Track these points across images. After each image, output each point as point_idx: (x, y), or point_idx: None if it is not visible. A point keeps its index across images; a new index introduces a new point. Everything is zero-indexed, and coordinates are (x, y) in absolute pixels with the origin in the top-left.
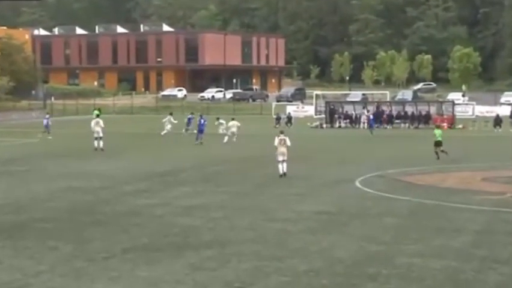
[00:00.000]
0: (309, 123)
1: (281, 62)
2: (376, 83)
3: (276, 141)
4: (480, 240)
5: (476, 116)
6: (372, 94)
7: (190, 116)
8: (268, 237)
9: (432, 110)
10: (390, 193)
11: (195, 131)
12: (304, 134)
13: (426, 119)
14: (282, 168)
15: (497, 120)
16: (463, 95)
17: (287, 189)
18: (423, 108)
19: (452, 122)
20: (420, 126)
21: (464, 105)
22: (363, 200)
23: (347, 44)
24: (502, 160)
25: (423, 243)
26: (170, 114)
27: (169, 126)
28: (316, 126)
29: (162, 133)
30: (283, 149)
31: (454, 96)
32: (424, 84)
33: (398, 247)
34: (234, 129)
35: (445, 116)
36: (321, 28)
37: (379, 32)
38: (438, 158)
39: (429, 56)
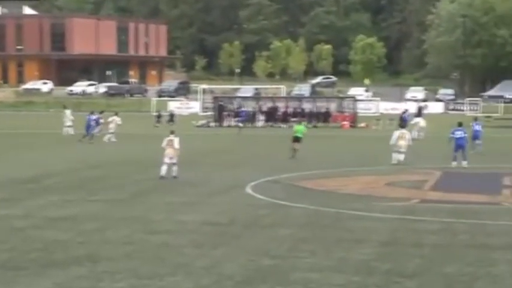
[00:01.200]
0: (194, 122)
1: (163, 52)
2: (270, 76)
3: (164, 142)
4: (383, 251)
5: (381, 113)
6: (265, 89)
7: (96, 116)
8: (147, 252)
9: (333, 106)
10: (286, 200)
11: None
12: (189, 134)
13: (325, 116)
14: (167, 170)
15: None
16: (366, 90)
17: (170, 197)
18: (322, 105)
19: (353, 120)
20: (319, 124)
21: (367, 102)
22: (255, 209)
23: (238, 32)
24: (408, 163)
25: (321, 256)
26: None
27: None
28: (202, 125)
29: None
30: (169, 151)
31: (356, 91)
32: (323, 78)
33: (294, 261)
34: (112, 126)
35: (346, 114)
36: (208, 13)
37: (273, 18)
38: (293, 156)
39: (329, 46)
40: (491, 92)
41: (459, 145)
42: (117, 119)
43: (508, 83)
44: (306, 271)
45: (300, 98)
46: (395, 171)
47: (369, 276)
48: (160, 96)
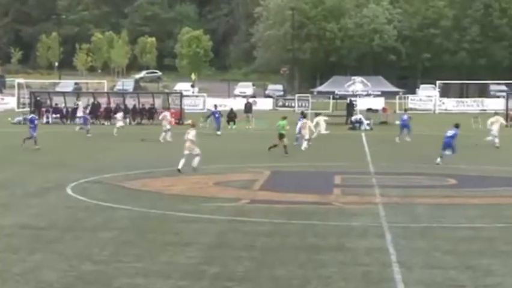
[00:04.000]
0: (10, 118)
1: None
2: (91, 70)
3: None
4: (212, 255)
5: (208, 109)
6: (86, 83)
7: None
8: None
9: (158, 102)
10: (109, 202)
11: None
12: (4, 131)
13: (150, 113)
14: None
15: (231, 115)
16: (193, 86)
17: None
18: (147, 101)
19: (179, 116)
20: (144, 121)
21: (194, 98)
22: (75, 211)
23: (56, 23)
24: (236, 162)
25: (147, 261)
26: None
27: None
28: (19, 122)
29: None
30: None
31: (183, 86)
32: (148, 73)
33: (118, 266)
34: None
35: (172, 110)
36: (24, 3)
37: (94, 8)
38: (286, 153)
39: (153, 39)
40: (321, 88)
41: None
42: None
43: (338, 79)
44: (131, 276)
45: (123, 94)
46: (224, 171)
47: (197, 280)
48: None
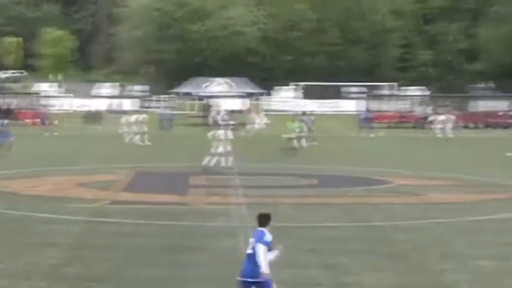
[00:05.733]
0: None
1: None
2: None
3: None
4: (73, 255)
5: (74, 110)
6: None
7: None
8: None
9: (21, 103)
10: None
11: None
12: None
13: (11, 114)
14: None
15: (96, 116)
16: (59, 86)
17: None
18: (10, 102)
19: (43, 117)
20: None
21: (59, 98)
22: None
23: None
24: (101, 163)
25: (8, 262)
26: None
27: None
28: None
29: None
30: None
31: (46, 87)
32: (12, 73)
33: None
34: None
35: (36, 111)
36: None
37: None
38: (294, 155)
39: (18, 39)
40: (184, 89)
41: None
42: None
43: (199, 80)
44: None
45: None
46: (88, 171)
47: (57, 281)
48: None
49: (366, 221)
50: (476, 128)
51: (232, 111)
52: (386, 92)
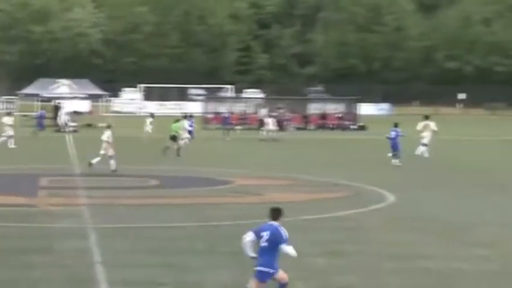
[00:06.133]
0: None
1: None
2: None
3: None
4: None
5: None
6: None
7: None
8: None
9: None
10: None
11: None
12: None
13: None
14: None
15: None
16: None
17: None
18: None
19: None
20: None
21: None
22: None
23: None
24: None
25: None
26: None
27: None
28: None
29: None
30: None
31: None
32: None
33: None
34: None
35: None
36: None
37: None
38: (178, 155)
39: None
40: (28, 90)
41: (392, 146)
42: None
43: (44, 81)
44: None
45: None
46: None
47: None
48: None
49: (208, 220)
50: (311, 129)
51: (76, 113)
52: (228, 94)
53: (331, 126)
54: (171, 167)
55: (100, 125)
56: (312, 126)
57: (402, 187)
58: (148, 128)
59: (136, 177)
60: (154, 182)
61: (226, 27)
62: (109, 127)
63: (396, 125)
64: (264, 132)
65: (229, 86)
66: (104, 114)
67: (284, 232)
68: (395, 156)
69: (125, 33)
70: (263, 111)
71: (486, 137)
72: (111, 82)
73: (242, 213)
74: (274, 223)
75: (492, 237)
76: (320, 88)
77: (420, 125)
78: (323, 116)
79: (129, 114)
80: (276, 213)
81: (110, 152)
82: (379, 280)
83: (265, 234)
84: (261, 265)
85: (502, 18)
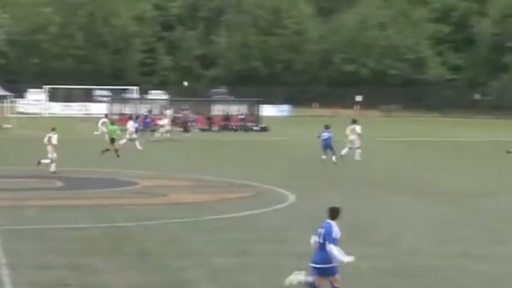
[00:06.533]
0: None
1: None
2: None
3: (45, 139)
4: None
5: None
6: None
7: None
8: None
9: None
10: None
11: None
12: None
13: None
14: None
15: None
16: None
17: None
18: None
19: None
20: None
21: None
22: None
23: None
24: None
25: None
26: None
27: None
28: None
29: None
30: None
31: None
32: None
33: None
34: None
35: None
36: None
37: None
38: (118, 156)
39: None
40: None
41: (326, 145)
42: None
43: None
44: None
45: None
46: None
47: None
48: None
49: (112, 221)
50: (215, 130)
51: None
52: (134, 95)
53: (234, 127)
54: (77, 168)
55: (5, 126)
56: (216, 128)
57: (303, 187)
58: (104, 128)
59: (42, 179)
60: (59, 184)
61: (130, 29)
62: (53, 129)
63: (327, 127)
64: (159, 134)
65: (134, 87)
66: (9, 115)
67: (335, 232)
68: (330, 154)
69: (30, 34)
70: (169, 112)
71: (383, 138)
72: (16, 83)
73: (147, 214)
74: (331, 222)
75: (388, 236)
76: (223, 90)
77: (348, 129)
78: (226, 118)
79: (34, 115)
80: (333, 212)
81: (55, 155)
82: (280, 278)
83: (321, 232)
84: (317, 262)
85: (396, 23)
